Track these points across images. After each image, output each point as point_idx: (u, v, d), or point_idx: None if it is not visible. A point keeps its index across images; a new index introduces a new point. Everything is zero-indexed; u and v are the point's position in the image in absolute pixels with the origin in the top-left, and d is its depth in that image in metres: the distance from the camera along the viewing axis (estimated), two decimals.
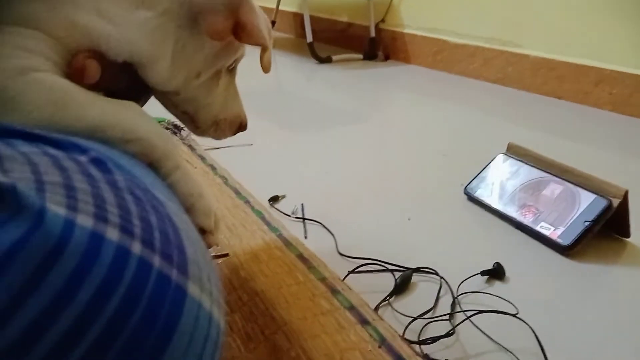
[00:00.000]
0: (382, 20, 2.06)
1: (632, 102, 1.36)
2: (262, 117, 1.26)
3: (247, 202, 0.79)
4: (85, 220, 0.22)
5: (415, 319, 0.54)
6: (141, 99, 0.44)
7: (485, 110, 1.42)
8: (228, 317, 0.52)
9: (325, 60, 1.94)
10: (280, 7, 2.32)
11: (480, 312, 0.55)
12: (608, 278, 0.65)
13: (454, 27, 1.80)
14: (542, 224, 0.72)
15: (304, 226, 0.74)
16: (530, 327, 0.53)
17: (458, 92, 1.62)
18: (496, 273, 0.63)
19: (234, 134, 0.52)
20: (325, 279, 0.59)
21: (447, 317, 0.55)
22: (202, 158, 0.96)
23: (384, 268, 0.64)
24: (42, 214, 0.21)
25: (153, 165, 0.36)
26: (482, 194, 0.82)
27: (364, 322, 0.52)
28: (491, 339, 0.52)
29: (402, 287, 0.60)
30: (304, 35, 1.98)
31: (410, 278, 0.61)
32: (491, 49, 1.69)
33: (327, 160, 1.01)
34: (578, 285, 0.63)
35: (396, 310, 0.56)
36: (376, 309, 0.56)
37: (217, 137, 0.50)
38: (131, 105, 0.37)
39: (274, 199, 0.81)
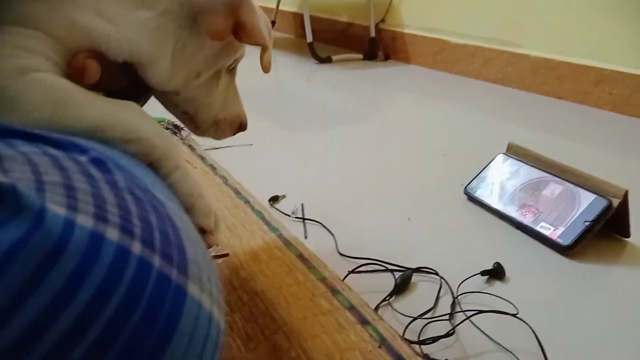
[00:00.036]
0: (382, 20, 2.06)
1: (632, 102, 1.36)
2: (262, 117, 1.26)
3: (247, 202, 0.79)
4: (85, 220, 0.22)
5: (415, 319, 0.54)
6: (141, 99, 0.44)
7: (485, 110, 1.42)
8: (228, 317, 0.52)
9: (325, 60, 1.94)
10: (280, 7, 2.32)
11: (480, 312, 0.55)
12: (608, 278, 0.65)
13: (454, 27, 1.80)
14: (542, 224, 0.72)
15: (304, 226, 0.74)
16: (530, 327, 0.53)
17: (458, 92, 1.62)
18: (496, 273, 0.63)
19: (234, 134, 0.52)
20: (325, 279, 0.59)
21: (447, 317, 0.55)
22: (202, 158, 0.96)
23: (384, 268, 0.64)
24: (42, 214, 0.21)
25: (153, 165, 0.36)
26: (482, 194, 0.82)
27: (364, 322, 0.52)
28: (491, 339, 0.52)
29: (402, 287, 0.60)
30: (304, 35, 1.98)
31: (410, 278, 0.61)
32: (491, 49, 1.69)
33: (327, 160, 1.01)
34: (578, 285, 0.63)
35: (396, 310, 0.56)
36: (376, 309, 0.56)
37: (217, 137, 0.50)
38: (131, 105, 0.37)
39: (274, 199, 0.81)
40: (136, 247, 0.23)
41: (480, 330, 0.53)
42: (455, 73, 1.81)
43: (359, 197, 0.85)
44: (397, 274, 0.62)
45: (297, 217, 0.76)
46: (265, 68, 0.46)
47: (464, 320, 0.55)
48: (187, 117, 0.48)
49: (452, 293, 0.59)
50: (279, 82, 1.73)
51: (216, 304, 0.28)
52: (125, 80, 0.39)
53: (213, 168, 0.91)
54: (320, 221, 0.75)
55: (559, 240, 0.69)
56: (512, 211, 0.77)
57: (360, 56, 2.04)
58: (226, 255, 0.63)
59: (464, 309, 0.56)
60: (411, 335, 0.52)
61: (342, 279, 0.61)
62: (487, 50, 1.70)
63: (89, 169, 0.26)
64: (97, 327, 0.21)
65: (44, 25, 0.33)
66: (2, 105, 0.31)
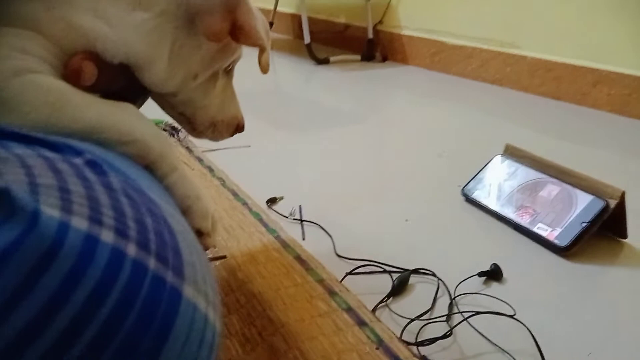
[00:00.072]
0: (380, 22, 2.06)
1: (630, 103, 1.36)
2: (260, 118, 1.26)
3: (244, 203, 0.79)
4: (79, 223, 0.22)
5: (412, 320, 0.54)
6: (138, 101, 0.44)
7: (483, 111, 1.42)
8: (226, 319, 0.52)
9: (323, 61, 1.94)
10: (278, 9, 2.32)
11: (478, 313, 0.55)
12: (605, 279, 0.65)
13: (451, 28, 1.80)
14: (540, 225, 0.72)
15: (302, 228, 0.74)
16: (527, 328, 0.53)
17: (456, 93, 1.62)
18: (493, 274, 0.63)
19: (231, 136, 0.52)
20: (323, 280, 0.59)
21: (444, 318, 0.55)
22: (200, 160, 0.95)
23: (381, 269, 0.64)
24: (36, 216, 0.21)
25: (150, 167, 0.36)
26: (479, 195, 0.82)
27: (362, 323, 0.52)
28: (489, 340, 0.52)
29: (399, 288, 0.60)
30: (301, 37, 1.98)
31: (408, 279, 0.61)
32: (489, 50, 1.69)
33: (325, 162, 1.01)
34: (575, 286, 0.63)
35: (394, 312, 0.56)
36: (374, 310, 0.56)
37: (215, 139, 0.50)
38: (128, 107, 0.37)
39: (272, 201, 0.81)
40: (131, 249, 0.23)
41: (478, 332, 0.53)
42: (453, 74, 1.82)
43: (357, 199, 0.85)
44: (395, 276, 0.62)
45: (294, 219, 0.76)
46: (264, 69, 0.46)
47: (462, 321, 0.55)
48: (184, 118, 0.47)
49: (450, 294, 0.59)
50: (277, 83, 1.73)
51: (212, 305, 0.27)
52: (122, 82, 0.39)
53: (211, 170, 0.91)
54: (318, 223, 0.75)
55: (556, 241, 0.69)
56: (509, 212, 0.77)
57: (358, 57, 2.05)
58: (224, 257, 0.63)
59: (461, 310, 0.56)
60: (409, 336, 0.52)
61: (339, 280, 0.61)
62: (484, 52, 1.70)
63: (83, 171, 0.26)
64: (92, 329, 0.21)
65: (41, 27, 0.33)
66: None
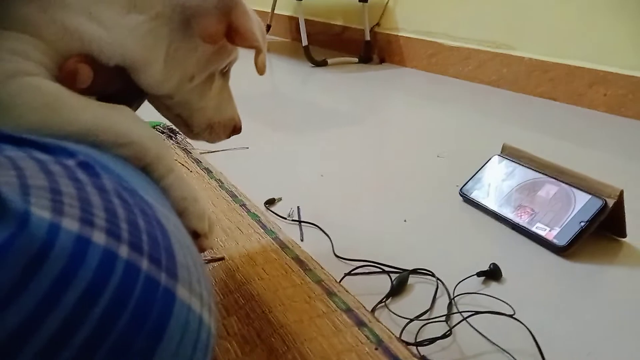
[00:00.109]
0: (377, 24, 2.07)
1: (626, 104, 1.37)
2: (258, 120, 1.26)
3: (243, 205, 0.78)
4: (70, 224, 0.22)
5: (411, 320, 0.54)
6: (134, 103, 0.44)
7: (480, 112, 1.42)
8: (224, 320, 0.52)
9: (320, 63, 1.94)
10: (276, 11, 2.33)
11: (477, 313, 0.55)
12: (604, 278, 0.65)
13: (448, 30, 1.81)
14: (538, 224, 0.72)
15: (300, 229, 0.74)
16: (527, 328, 0.53)
17: (453, 94, 1.62)
18: (492, 274, 0.63)
19: (228, 137, 0.52)
20: (322, 281, 0.59)
21: (443, 318, 0.55)
22: (198, 161, 0.95)
23: (380, 270, 0.64)
24: (26, 218, 0.21)
25: (146, 169, 0.36)
26: (477, 195, 0.82)
27: (361, 324, 0.52)
28: (488, 339, 0.52)
29: (398, 288, 0.60)
30: (299, 39, 1.99)
31: (407, 280, 0.61)
32: (485, 51, 1.69)
33: (323, 163, 1.01)
34: (574, 286, 0.63)
35: (393, 312, 0.56)
36: (373, 310, 0.56)
37: (212, 141, 0.50)
38: (124, 109, 0.37)
39: (270, 202, 0.81)
40: (123, 251, 0.23)
41: (477, 331, 0.53)
42: (450, 75, 1.82)
43: (355, 200, 0.85)
44: (394, 276, 0.62)
45: (293, 220, 0.76)
46: (260, 70, 0.46)
47: (461, 321, 0.54)
48: (180, 120, 0.47)
49: (449, 294, 0.59)
50: (275, 85, 1.73)
51: (207, 307, 0.27)
52: (118, 84, 0.39)
53: (209, 171, 0.91)
54: (316, 223, 0.75)
55: (555, 241, 0.69)
56: (507, 212, 0.77)
57: (356, 59, 2.05)
58: (222, 258, 0.63)
59: (460, 310, 0.56)
60: (408, 336, 0.52)
61: (338, 281, 0.60)
62: (481, 53, 1.71)
63: (76, 172, 0.26)
64: (85, 331, 0.21)
65: (36, 29, 0.33)
66: None
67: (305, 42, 1.94)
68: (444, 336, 0.52)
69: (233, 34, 0.42)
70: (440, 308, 0.57)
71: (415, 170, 0.98)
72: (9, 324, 0.19)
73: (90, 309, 0.21)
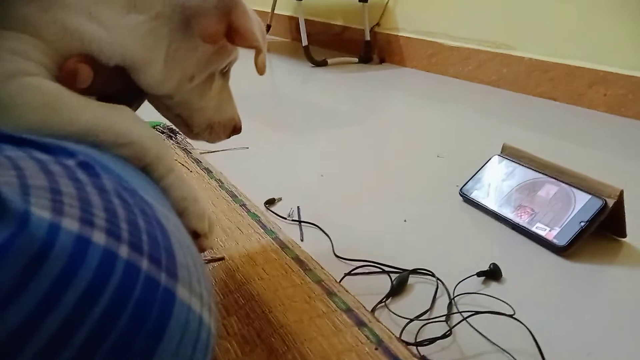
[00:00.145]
0: (377, 24, 2.07)
1: (626, 104, 1.37)
2: (258, 120, 1.26)
3: (243, 205, 0.78)
4: (70, 224, 0.22)
5: (411, 320, 0.54)
6: (134, 103, 0.44)
7: (480, 112, 1.42)
8: (224, 320, 0.52)
9: (320, 63, 1.94)
10: (276, 11, 2.33)
11: (477, 313, 0.55)
12: (604, 278, 0.65)
13: (448, 30, 1.81)
14: (538, 224, 0.72)
15: (300, 229, 0.74)
16: (527, 328, 0.53)
17: (453, 94, 1.62)
18: (492, 274, 0.63)
19: (228, 137, 0.52)
20: (322, 281, 0.59)
21: (443, 318, 0.55)
22: (198, 161, 0.95)
23: (380, 270, 0.64)
24: (26, 218, 0.21)
25: (146, 169, 0.36)
26: (477, 195, 0.82)
27: (361, 324, 0.52)
28: (488, 339, 0.52)
29: (398, 288, 0.60)
30: (299, 39, 1.99)
31: (407, 279, 0.61)
32: (485, 51, 1.69)
33: (323, 163, 1.01)
34: (574, 286, 0.63)
35: (393, 312, 0.56)
36: (373, 310, 0.56)
37: (212, 141, 0.50)
38: (124, 109, 0.37)
39: (270, 202, 0.81)
40: (123, 251, 0.23)
41: (477, 331, 0.53)
42: (450, 75, 1.82)
43: (355, 200, 0.85)
44: (394, 276, 0.62)
45: (293, 220, 0.76)
46: (260, 70, 0.46)
47: (461, 321, 0.54)
48: (180, 120, 0.47)
49: (449, 294, 0.59)
50: (275, 85, 1.73)
51: (207, 307, 0.27)
52: (118, 84, 0.39)
53: (209, 171, 0.91)
54: (316, 224, 0.75)
55: (555, 241, 0.69)
56: (507, 212, 0.77)
57: (356, 59, 2.05)
58: (222, 258, 0.63)
59: (460, 310, 0.56)
60: (408, 336, 0.52)
61: (338, 281, 0.60)
62: (481, 53, 1.71)
63: (76, 172, 0.26)
64: (84, 331, 0.21)
65: (36, 29, 0.33)
66: None
67: (305, 42, 1.94)
68: (444, 336, 0.52)
69: (233, 34, 0.42)
70: (440, 308, 0.57)
71: (416, 170, 0.98)
72: (9, 324, 0.19)
73: (90, 309, 0.21)
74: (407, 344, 0.50)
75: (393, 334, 0.51)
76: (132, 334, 0.22)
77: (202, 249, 0.40)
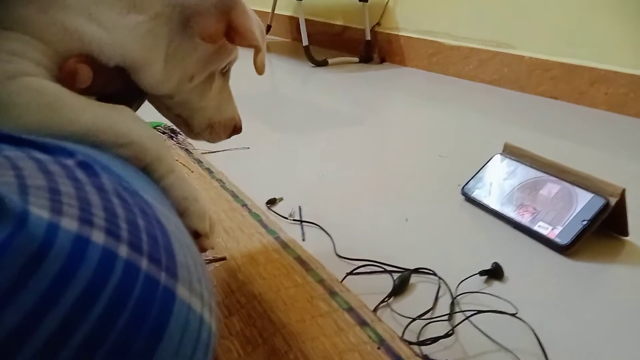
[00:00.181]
0: (378, 24, 2.06)
1: (627, 102, 1.37)
2: (259, 120, 1.26)
3: (244, 205, 0.78)
4: (69, 224, 0.22)
5: (414, 319, 0.54)
6: (134, 103, 0.44)
7: (481, 111, 1.42)
8: (226, 320, 0.52)
9: (321, 63, 1.94)
10: (276, 11, 2.33)
11: (480, 312, 0.55)
12: (607, 277, 0.65)
13: (449, 29, 1.80)
14: (540, 223, 0.72)
15: (302, 228, 0.74)
16: (529, 327, 0.53)
17: (454, 93, 1.62)
18: (495, 273, 0.63)
19: (229, 137, 0.51)
20: (324, 280, 0.59)
21: (446, 317, 0.55)
22: (199, 162, 0.95)
23: (382, 269, 0.63)
24: (24, 217, 0.20)
25: (146, 169, 0.36)
26: (479, 194, 0.82)
27: (363, 323, 0.51)
28: (491, 339, 0.52)
29: (400, 288, 0.60)
30: (299, 39, 1.99)
31: (409, 279, 0.61)
32: (486, 50, 1.69)
33: (324, 163, 1.01)
34: (577, 284, 0.63)
35: (395, 311, 0.56)
36: (375, 310, 0.56)
37: (212, 140, 0.50)
38: (124, 109, 0.37)
39: (272, 202, 0.81)
40: (123, 250, 0.23)
41: (480, 330, 0.53)
42: (451, 75, 1.82)
43: (357, 199, 0.85)
44: (396, 275, 0.62)
45: (294, 220, 0.76)
46: (259, 70, 0.46)
47: (463, 320, 0.54)
48: (181, 120, 0.47)
49: (451, 293, 0.59)
50: (275, 85, 1.73)
51: (207, 306, 0.27)
52: (118, 85, 0.39)
53: (210, 172, 0.91)
54: (317, 223, 0.75)
55: (557, 240, 0.69)
56: (509, 211, 0.76)
57: (356, 59, 2.05)
58: (224, 258, 0.63)
59: (463, 309, 0.56)
60: (410, 336, 0.52)
61: (340, 280, 0.60)
62: (482, 52, 1.70)
63: (75, 172, 0.26)
64: (83, 331, 0.21)
65: (35, 30, 0.33)
66: None
67: (305, 42, 1.94)
68: (447, 335, 0.52)
69: (232, 34, 0.41)
70: (443, 307, 0.57)
71: (417, 169, 0.98)
72: (7, 324, 0.19)
73: (89, 308, 0.21)
74: (410, 343, 0.50)
75: (395, 333, 0.51)
76: (132, 333, 0.22)
77: (203, 249, 0.40)
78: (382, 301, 0.57)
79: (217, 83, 0.47)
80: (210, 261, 0.62)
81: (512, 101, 1.52)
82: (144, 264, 0.24)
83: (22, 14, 0.33)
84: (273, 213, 0.78)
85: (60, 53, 0.34)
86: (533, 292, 0.61)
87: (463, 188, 0.84)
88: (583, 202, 0.70)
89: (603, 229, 0.71)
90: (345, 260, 0.66)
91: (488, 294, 0.59)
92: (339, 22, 2.28)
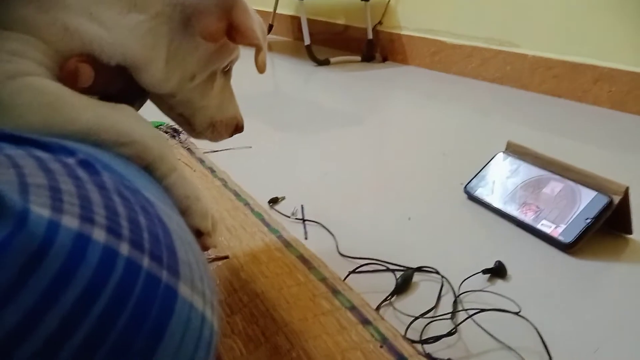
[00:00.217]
0: (380, 22, 2.06)
1: (630, 100, 1.36)
2: (261, 119, 1.26)
3: (246, 204, 0.78)
4: (70, 222, 0.22)
5: (416, 318, 0.54)
6: (136, 103, 0.44)
7: (484, 109, 1.42)
8: (229, 318, 0.52)
9: (323, 62, 1.94)
10: (278, 11, 2.33)
11: (482, 310, 0.55)
12: (610, 275, 0.65)
13: (451, 28, 1.80)
14: (543, 221, 0.72)
15: (304, 227, 0.74)
16: (533, 325, 0.53)
17: (456, 92, 1.62)
18: (498, 271, 0.62)
19: (231, 136, 0.52)
20: (326, 279, 0.59)
21: (449, 316, 0.55)
22: (201, 161, 0.95)
23: (384, 268, 0.63)
24: (25, 216, 0.20)
25: (148, 168, 0.36)
26: (482, 192, 0.82)
27: (365, 322, 0.51)
28: (494, 337, 0.52)
29: (403, 286, 0.60)
30: (301, 38, 1.99)
31: (412, 277, 0.61)
32: (489, 48, 1.69)
33: (326, 162, 1.01)
34: (580, 283, 0.62)
35: (398, 310, 0.56)
36: (377, 308, 0.56)
37: (214, 139, 0.50)
38: (125, 108, 0.37)
39: (274, 201, 0.81)
40: (124, 248, 0.23)
41: (483, 329, 0.53)
42: (453, 73, 1.82)
43: (359, 198, 0.85)
44: (398, 274, 0.62)
45: (297, 219, 0.76)
46: (260, 68, 0.46)
47: (466, 319, 0.54)
48: (183, 119, 0.48)
49: (454, 292, 0.59)
50: (277, 84, 1.73)
51: (209, 305, 0.27)
52: (119, 84, 0.39)
53: (212, 171, 0.91)
54: (320, 222, 0.75)
55: (560, 238, 0.69)
56: (512, 209, 0.76)
57: (358, 58, 2.05)
58: (226, 257, 0.63)
59: (466, 308, 0.56)
60: (413, 334, 0.52)
61: (342, 279, 0.60)
62: (484, 50, 1.70)
63: (75, 170, 0.26)
64: (84, 329, 0.21)
65: (36, 30, 0.33)
66: None
67: (307, 41, 1.94)
68: (450, 334, 0.52)
69: (234, 32, 0.42)
70: (446, 306, 0.57)
71: (419, 168, 0.98)
72: (7, 323, 0.19)
73: (90, 307, 0.21)
74: (412, 341, 0.50)
75: (398, 332, 0.51)
76: (133, 331, 0.22)
77: (205, 248, 0.40)
78: (385, 300, 0.57)
79: (219, 82, 0.47)
80: (213, 260, 0.62)
81: (514, 99, 1.52)
82: (146, 262, 0.24)
83: (23, 14, 0.33)
84: (275, 212, 0.78)
85: (61, 53, 0.34)
86: (536, 290, 0.60)
87: (466, 186, 0.84)
88: (586, 200, 0.70)
89: (607, 227, 0.70)
90: (348, 258, 0.66)
91: (491, 292, 0.59)
92: (340, 21, 2.28)
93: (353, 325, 0.51)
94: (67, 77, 0.34)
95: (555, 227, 0.70)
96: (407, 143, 1.14)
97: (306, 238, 0.71)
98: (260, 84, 1.61)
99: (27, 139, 0.28)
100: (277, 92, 1.65)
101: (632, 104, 1.36)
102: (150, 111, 0.46)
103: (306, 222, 0.75)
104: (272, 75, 1.83)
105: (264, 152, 1.05)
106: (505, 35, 1.64)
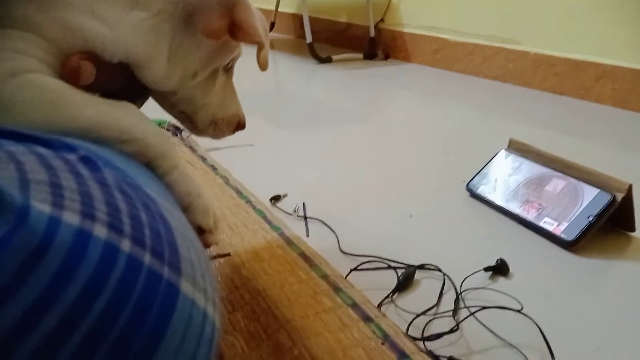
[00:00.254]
0: (382, 20, 2.06)
1: (633, 97, 1.35)
2: (263, 117, 1.26)
3: (248, 201, 0.78)
4: (71, 218, 0.22)
5: (418, 315, 0.54)
6: (138, 100, 0.44)
7: (486, 107, 1.41)
8: (230, 316, 0.52)
9: (325, 60, 1.94)
10: (280, 9, 2.33)
11: (484, 308, 0.55)
12: (613, 273, 0.64)
13: (453, 25, 1.79)
14: (546, 219, 0.72)
15: (306, 225, 0.74)
16: (534, 323, 0.53)
17: (458, 89, 1.61)
18: (500, 269, 0.62)
19: (233, 133, 0.51)
20: (328, 276, 0.59)
21: (450, 313, 0.55)
22: (203, 159, 0.95)
23: (386, 265, 0.63)
24: (25, 212, 0.20)
25: (150, 165, 0.36)
26: (484, 190, 0.82)
27: (367, 319, 0.51)
28: (495, 334, 0.52)
29: (405, 284, 0.60)
30: (303, 36, 1.98)
31: (414, 275, 0.61)
32: (491, 46, 1.68)
33: (328, 159, 1.01)
34: (582, 281, 0.62)
35: (399, 307, 0.56)
36: (379, 306, 0.56)
37: (216, 137, 0.50)
38: (127, 105, 0.37)
39: (276, 198, 0.81)
40: (125, 245, 0.23)
41: (485, 326, 0.53)
42: (456, 71, 1.81)
43: (361, 195, 0.85)
44: (400, 271, 0.62)
45: (298, 216, 0.76)
46: (262, 66, 0.46)
47: (468, 316, 0.54)
48: (185, 117, 0.48)
49: (456, 289, 0.59)
50: (279, 82, 1.73)
51: (211, 302, 0.27)
52: (121, 81, 0.39)
53: (214, 168, 0.91)
54: (321, 219, 0.75)
55: (563, 236, 0.68)
56: (515, 207, 0.76)
57: (360, 56, 2.04)
58: (228, 254, 0.63)
59: (467, 305, 0.56)
60: (415, 331, 0.52)
61: (344, 276, 0.60)
62: (486, 48, 1.69)
63: (77, 167, 0.26)
64: (85, 326, 0.21)
65: (38, 28, 0.33)
66: None
67: (309, 39, 1.93)
68: (451, 331, 0.52)
69: (235, 30, 0.41)
70: (447, 303, 0.57)
71: (421, 165, 0.98)
72: (7, 321, 0.19)
73: (91, 304, 0.21)
74: (414, 339, 0.50)
75: (400, 329, 0.51)
76: (135, 328, 0.22)
77: (207, 245, 0.40)
78: (387, 297, 0.57)
79: (221, 79, 0.47)
80: (215, 257, 0.62)
81: (516, 97, 1.51)
82: (147, 258, 0.24)
83: (24, 12, 0.33)
84: (277, 209, 0.78)
85: (62, 50, 0.34)
86: (538, 288, 0.60)
87: (468, 184, 0.84)
88: (589, 198, 0.70)
89: (609, 225, 0.70)
90: (350, 256, 0.66)
91: (493, 289, 0.59)
92: (342, 19, 2.27)
93: (355, 323, 0.51)
94: (68, 74, 0.34)
95: (558, 225, 0.70)
96: (409, 140, 1.14)
97: (308, 235, 0.71)
98: (262, 81, 1.61)
99: (29, 135, 0.28)
100: (279, 90, 1.65)
101: (634, 102, 1.35)
102: (152, 109, 0.46)
103: (308, 220, 0.75)
104: (274, 73, 1.83)
105: (266, 149, 1.05)
106: (507, 33, 1.63)
